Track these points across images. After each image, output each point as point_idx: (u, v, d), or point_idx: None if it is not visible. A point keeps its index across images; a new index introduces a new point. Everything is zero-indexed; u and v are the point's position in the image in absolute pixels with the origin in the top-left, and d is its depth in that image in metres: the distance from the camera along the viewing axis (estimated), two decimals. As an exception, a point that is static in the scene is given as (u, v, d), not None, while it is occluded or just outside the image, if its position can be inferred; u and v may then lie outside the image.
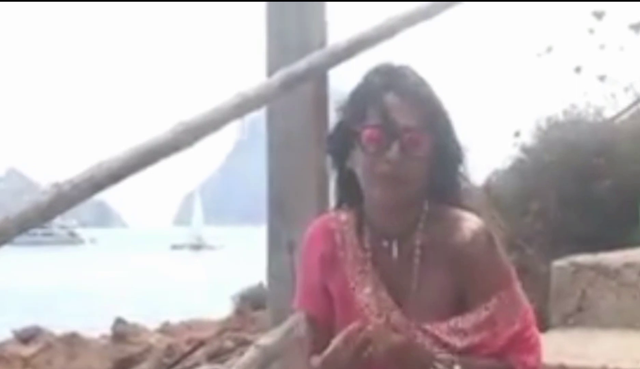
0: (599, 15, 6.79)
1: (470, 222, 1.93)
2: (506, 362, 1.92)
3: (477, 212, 1.99)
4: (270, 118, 3.54)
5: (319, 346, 1.99)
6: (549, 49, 6.95)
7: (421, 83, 1.94)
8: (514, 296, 1.95)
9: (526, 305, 1.99)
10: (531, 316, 2.00)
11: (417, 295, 1.94)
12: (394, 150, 1.86)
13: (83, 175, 2.55)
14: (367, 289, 1.97)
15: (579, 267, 3.95)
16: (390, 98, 1.90)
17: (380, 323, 1.89)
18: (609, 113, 6.01)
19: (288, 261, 3.42)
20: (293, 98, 3.37)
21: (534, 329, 1.99)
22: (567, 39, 7.40)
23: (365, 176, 1.93)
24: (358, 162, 1.94)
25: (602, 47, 6.75)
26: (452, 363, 1.89)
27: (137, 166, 2.68)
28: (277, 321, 3.37)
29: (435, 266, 1.93)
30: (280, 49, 3.48)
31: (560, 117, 5.52)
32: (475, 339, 1.91)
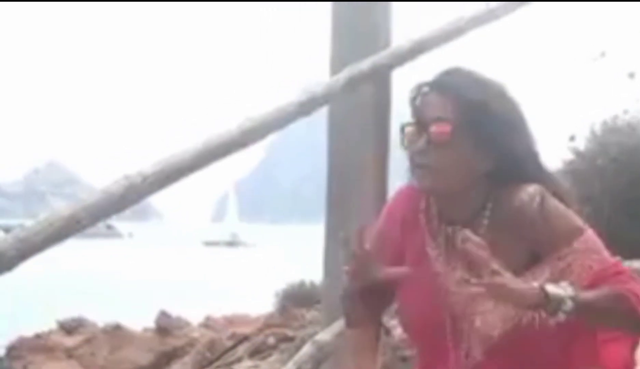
0: (654, 21, 6.73)
1: (526, 188, 1.94)
2: (614, 289, 1.87)
3: (551, 182, 1.98)
4: (332, 118, 3.57)
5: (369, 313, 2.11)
6: (603, 54, 6.91)
7: (468, 81, 1.98)
8: (588, 244, 1.92)
9: (615, 260, 1.95)
10: (620, 264, 1.95)
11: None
12: (421, 141, 1.95)
13: (154, 167, 2.60)
14: (443, 258, 2.01)
15: (633, 273, 3.92)
16: (422, 94, 2.00)
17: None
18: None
19: (344, 257, 3.44)
20: (355, 98, 3.40)
21: (628, 269, 1.94)
22: (621, 44, 7.34)
23: (409, 170, 2.02)
24: None
25: (657, 53, 6.68)
26: (562, 300, 1.81)
27: (205, 161, 2.72)
28: (331, 317, 3.39)
29: (503, 242, 1.93)
30: (344, 48, 3.51)
31: (616, 122, 5.50)
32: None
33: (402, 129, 2.02)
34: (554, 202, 1.95)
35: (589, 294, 1.85)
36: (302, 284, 10.87)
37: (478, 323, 1.95)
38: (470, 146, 1.94)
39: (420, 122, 1.97)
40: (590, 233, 1.95)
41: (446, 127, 1.93)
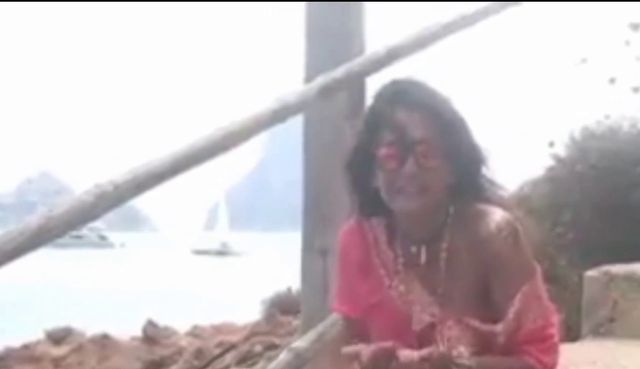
0: (635, 27, 6.77)
1: (493, 215, 1.95)
2: (524, 361, 1.93)
3: (507, 207, 1.99)
4: (307, 125, 3.56)
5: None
6: (584, 60, 6.93)
7: (429, 94, 1.97)
8: (537, 292, 1.96)
9: (551, 306, 2.00)
10: (555, 318, 2.01)
11: (448, 293, 1.98)
12: (410, 164, 1.92)
13: (125, 176, 2.60)
14: (402, 287, 2.02)
15: (611, 277, 3.95)
16: (399, 114, 1.94)
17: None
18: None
19: (321, 266, 3.45)
20: (330, 105, 3.40)
21: (555, 330, 1.99)
22: (603, 50, 7.37)
23: (386, 193, 1.98)
24: (379, 180, 1.99)
25: (638, 58, 6.71)
26: (469, 367, 1.91)
27: (176, 170, 2.72)
28: (309, 325, 3.39)
29: (462, 264, 1.97)
30: (319, 50, 3.51)
31: (595, 128, 5.51)
32: (504, 338, 1.93)
33: (375, 153, 1.97)
34: (519, 239, 1.96)
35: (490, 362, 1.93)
36: (288, 292, 10.86)
37: (445, 346, 1.98)
38: (445, 161, 1.95)
39: (404, 144, 1.93)
40: (539, 275, 1.99)
41: (434, 149, 1.92)
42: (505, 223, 1.94)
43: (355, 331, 2.12)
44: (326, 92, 3.19)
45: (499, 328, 1.94)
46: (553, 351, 1.98)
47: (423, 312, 2.00)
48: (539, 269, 1.99)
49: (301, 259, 3.57)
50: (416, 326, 2.01)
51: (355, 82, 3.43)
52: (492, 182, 2.00)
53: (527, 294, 1.94)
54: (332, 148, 3.51)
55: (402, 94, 1.97)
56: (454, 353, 1.95)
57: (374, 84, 3.57)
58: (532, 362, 1.94)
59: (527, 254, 1.97)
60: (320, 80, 3.18)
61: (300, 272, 3.59)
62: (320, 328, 3.20)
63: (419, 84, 2.00)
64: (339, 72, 3.22)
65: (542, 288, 1.99)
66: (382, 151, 1.95)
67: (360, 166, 2.03)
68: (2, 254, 2.38)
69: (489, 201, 1.99)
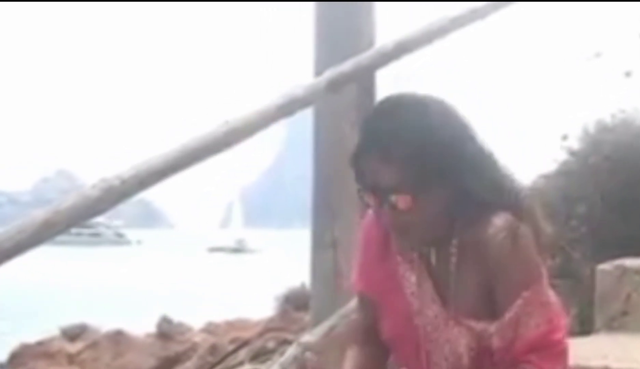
0: (650, 19, 6.70)
1: (497, 220, 1.92)
2: None
3: (517, 210, 1.94)
4: (317, 119, 3.56)
5: (367, 323, 2.12)
6: (598, 54, 6.87)
7: (400, 128, 1.88)
8: (540, 297, 1.92)
9: (557, 309, 1.95)
10: (563, 321, 1.95)
11: (455, 294, 1.97)
12: (385, 210, 1.91)
13: (130, 171, 2.59)
14: (413, 278, 2.02)
15: (624, 271, 3.92)
16: (369, 162, 1.92)
17: None
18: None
19: (331, 260, 3.44)
20: (340, 99, 3.39)
21: (563, 335, 1.94)
22: (617, 43, 7.31)
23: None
24: None
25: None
26: None
27: (182, 165, 2.71)
28: (319, 319, 3.39)
29: (469, 268, 1.95)
30: (328, 49, 3.50)
31: (609, 121, 5.47)
32: (499, 341, 1.91)
33: (358, 190, 1.97)
34: (522, 243, 1.92)
35: None
36: (302, 288, 10.86)
37: (446, 347, 1.98)
38: (435, 193, 1.91)
39: (377, 192, 1.91)
40: (544, 279, 1.94)
41: (406, 198, 1.89)
42: (507, 228, 1.90)
43: (369, 311, 2.12)
44: (334, 86, 3.17)
45: (491, 328, 1.92)
46: (559, 357, 1.92)
47: (427, 308, 2.00)
48: (544, 273, 1.95)
49: (311, 253, 3.57)
50: (419, 321, 2.01)
51: (365, 76, 3.41)
52: (499, 186, 1.94)
53: (528, 300, 1.90)
54: (342, 142, 3.50)
55: (373, 133, 1.91)
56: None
57: (383, 78, 3.57)
58: None
59: (530, 258, 1.92)
60: (328, 74, 3.16)
61: (310, 266, 3.59)
62: (329, 321, 3.20)
63: (398, 111, 1.92)
64: (347, 66, 3.20)
65: (548, 293, 1.94)
66: (363, 192, 1.95)
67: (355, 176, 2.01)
68: (3, 251, 2.38)
69: (496, 205, 1.93)
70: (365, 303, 2.15)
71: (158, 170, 2.67)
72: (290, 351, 3.12)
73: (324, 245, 3.48)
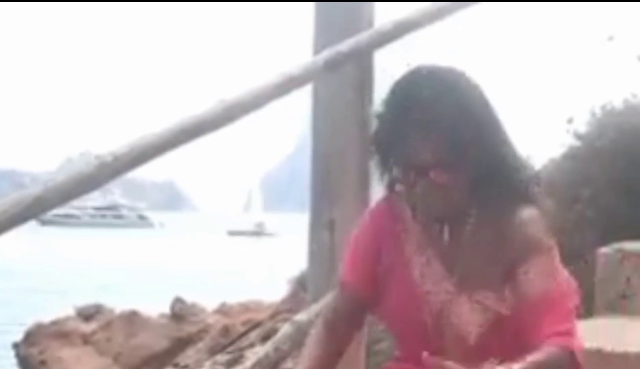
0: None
1: (517, 205, 1.96)
2: (547, 347, 1.87)
3: (533, 196, 1.99)
4: (315, 99, 3.55)
5: (337, 314, 2.12)
6: (611, 38, 6.81)
7: (439, 100, 1.90)
8: (552, 264, 1.95)
9: (570, 280, 1.98)
10: (573, 288, 1.98)
11: (465, 272, 1.99)
12: (421, 186, 1.93)
13: (124, 148, 2.62)
14: (423, 259, 2.03)
15: (625, 254, 3.91)
16: (409, 140, 1.92)
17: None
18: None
19: (328, 240, 3.45)
20: (338, 79, 3.39)
21: (571, 301, 1.95)
22: (630, 27, 7.25)
23: (405, 201, 2.01)
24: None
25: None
26: None
27: (176, 142, 2.73)
28: (316, 299, 3.40)
29: (482, 247, 1.98)
30: (327, 29, 3.49)
31: (617, 104, 5.44)
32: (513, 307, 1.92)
33: (387, 168, 1.98)
34: (540, 227, 1.96)
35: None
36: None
37: (455, 324, 1.98)
38: (464, 167, 1.94)
39: (413, 168, 1.93)
40: (555, 254, 1.97)
41: (445, 173, 1.92)
42: (530, 216, 1.95)
43: (348, 307, 2.12)
44: (332, 65, 3.17)
45: (502, 309, 1.94)
46: (569, 319, 1.92)
47: (439, 288, 2.01)
48: (556, 250, 1.97)
49: (309, 233, 3.57)
50: (427, 302, 2.01)
51: (363, 56, 3.41)
52: (517, 170, 1.98)
53: (540, 266, 1.92)
54: (341, 122, 3.50)
55: (411, 108, 1.91)
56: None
57: (382, 58, 3.57)
58: (557, 350, 1.87)
59: (546, 239, 1.96)
60: (325, 53, 3.17)
61: (307, 247, 3.59)
62: (324, 301, 3.20)
63: (430, 83, 1.93)
64: (345, 45, 3.20)
65: (559, 266, 1.96)
66: (395, 172, 1.97)
67: (379, 162, 2.02)
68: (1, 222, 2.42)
69: (514, 188, 1.98)
70: (344, 294, 2.13)
71: (152, 147, 2.70)
72: (284, 329, 3.14)
73: (322, 225, 3.48)
